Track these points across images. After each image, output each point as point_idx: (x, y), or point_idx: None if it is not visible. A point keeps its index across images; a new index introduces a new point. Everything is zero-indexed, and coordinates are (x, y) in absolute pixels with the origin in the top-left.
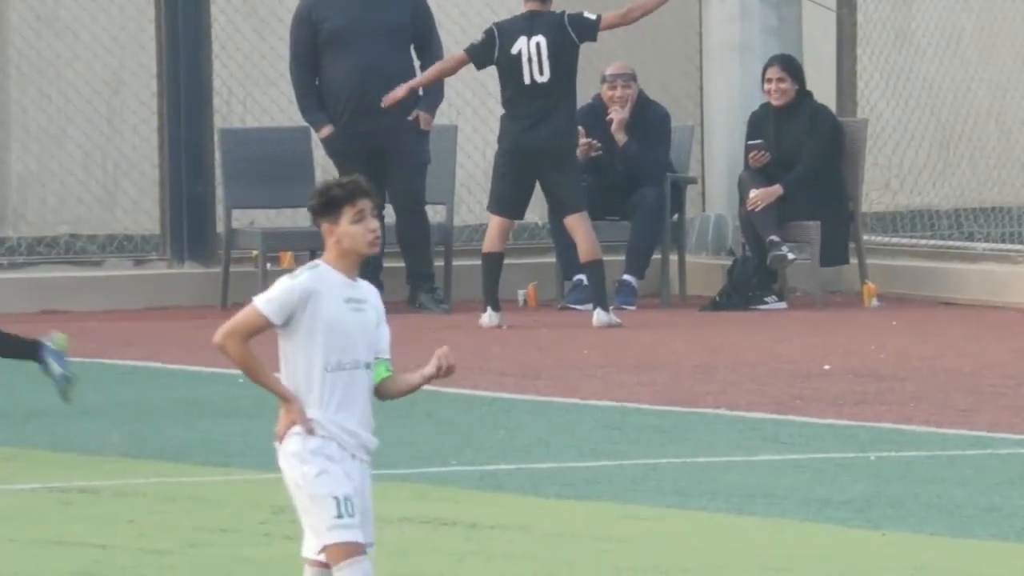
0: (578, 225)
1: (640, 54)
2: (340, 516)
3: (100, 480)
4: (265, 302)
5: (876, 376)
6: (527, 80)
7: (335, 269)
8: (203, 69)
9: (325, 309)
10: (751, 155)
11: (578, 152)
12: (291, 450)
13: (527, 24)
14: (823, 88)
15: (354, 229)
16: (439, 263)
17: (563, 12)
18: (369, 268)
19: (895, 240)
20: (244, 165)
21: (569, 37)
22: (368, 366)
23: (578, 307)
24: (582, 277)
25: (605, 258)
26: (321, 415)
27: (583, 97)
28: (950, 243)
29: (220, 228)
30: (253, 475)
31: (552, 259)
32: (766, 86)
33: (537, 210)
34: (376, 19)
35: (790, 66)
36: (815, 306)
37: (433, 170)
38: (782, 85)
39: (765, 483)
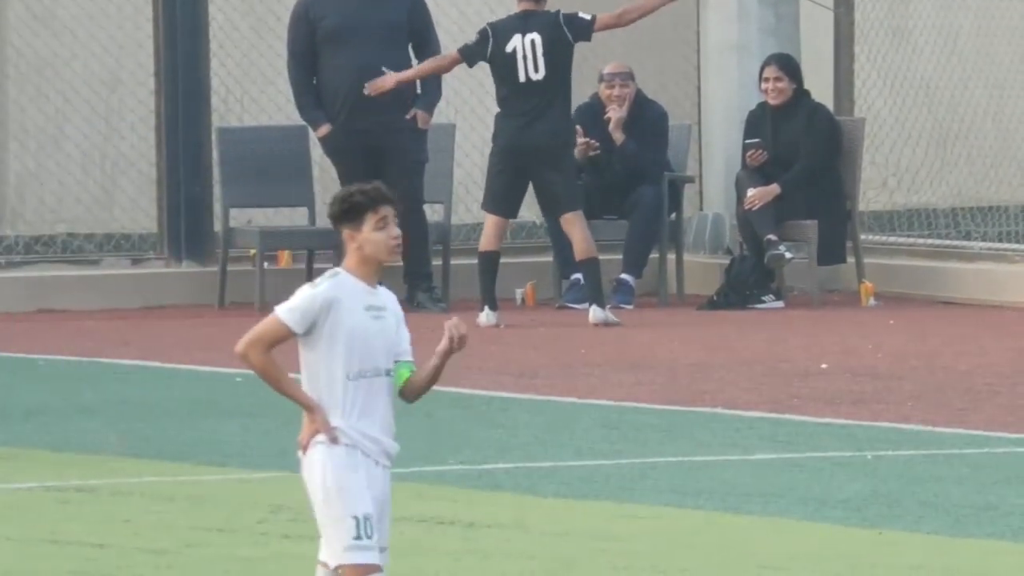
0: (574, 223)
1: (638, 53)
2: (359, 537)
3: (97, 479)
4: (287, 311)
5: (873, 375)
6: (522, 78)
7: (355, 276)
8: (201, 68)
9: (346, 318)
10: (748, 154)
11: (576, 151)
12: (314, 460)
13: (521, 23)
14: (821, 87)
15: (376, 236)
16: (437, 262)
17: (558, 11)
18: None
19: (892, 239)
20: (242, 164)
21: (564, 36)
22: (388, 373)
23: (576, 306)
24: (579, 276)
25: (603, 257)
26: (344, 423)
27: (581, 96)
28: (947, 242)
29: (218, 227)
30: (250, 474)
31: (550, 258)
32: (763, 85)
33: (535, 209)
34: (374, 18)
35: (787, 65)
36: (812, 305)
37: (431, 169)
38: (779, 84)
39: (762, 482)
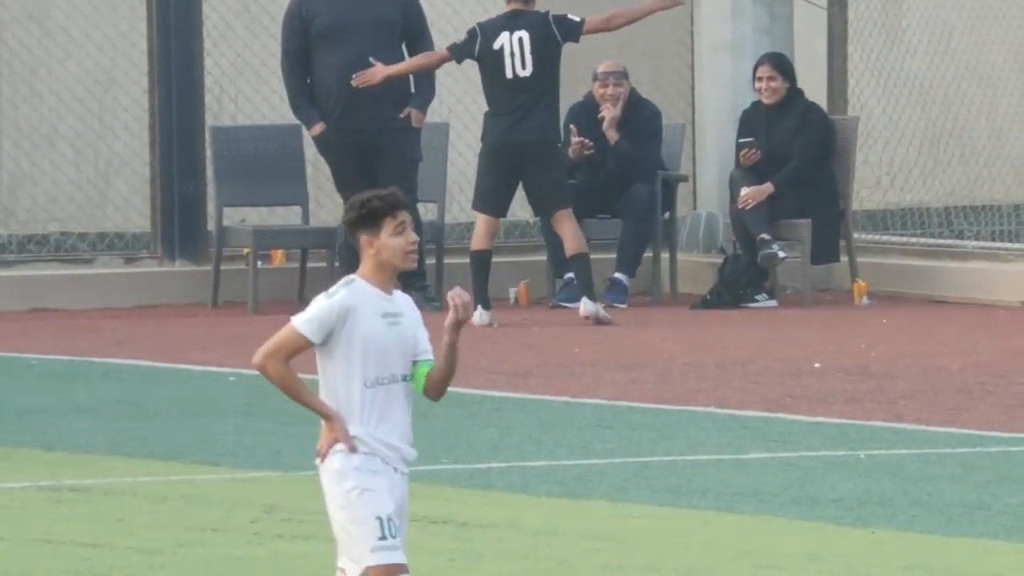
0: (563, 221)
1: (632, 52)
2: (384, 538)
3: (90, 479)
4: (304, 322)
5: (866, 374)
6: (509, 74)
7: (371, 283)
8: (195, 66)
9: (362, 325)
10: (742, 153)
11: (571, 150)
12: (334, 468)
13: (510, 21)
14: (815, 86)
15: (395, 241)
16: (430, 261)
17: (547, 12)
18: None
19: (885, 238)
20: (235, 163)
21: (553, 35)
22: (405, 378)
23: (569, 305)
24: (573, 275)
25: (596, 256)
26: (362, 431)
27: (575, 95)
28: (940, 241)
29: (211, 226)
30: (244, 474)
31: (543, 257)
32: (757, 84)
33: (529, 208)
34: (367, 16)
35: (781, 64)
36: (806, 304)
37: (424, 168)
38: (773, 83)
39: (755, 481)
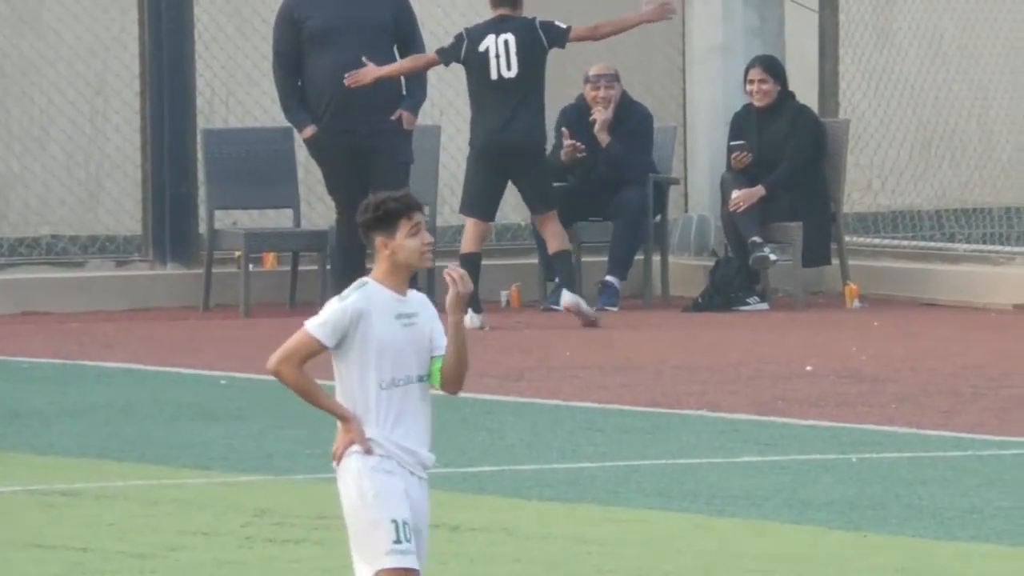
0: (547, 222)
1: (623, 55)
2: (398, 541)
3: (81, 483)
4: (317, 326)
5: (858, 377)
6: (494, 75)
7: (384, 285)
8: (186, 69)
9: (376, 328)
10: (733, 156)
11: (562, 153)
12: (349, 469)
13: (496, 25)
14: (806, 88)
15: (410, 242)
16: None
17: (534, 17)
18: (349, 272)
19: (877, 241)
20: (227, 165)
21: (539, 39)
22: (422, 379)
23: (561, 308)
24: (557, 273)
25: (588, 259)
26: (378, 434)
27: (566, 97)
28: (931, 244)
29: (203, 229)
30: (235, 478)
31: (534, 260)
32: (748, 87)
33: (521, 211)
34: (359, 18)
35: (772, 67)
36: (797, 307)
37: (416, 171)
38: (764, 86)
39: (747, 485)
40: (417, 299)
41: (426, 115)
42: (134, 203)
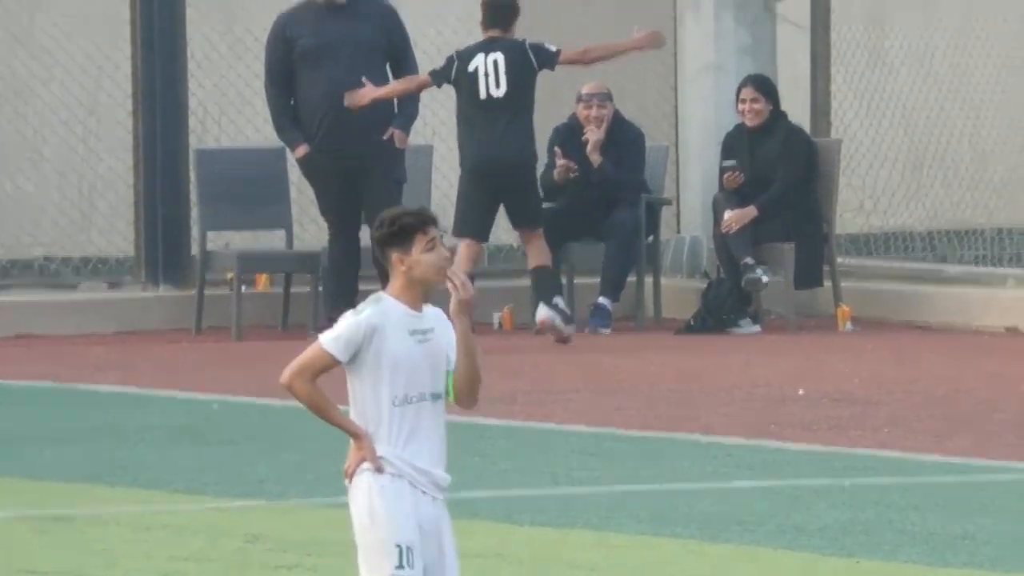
0: (533, 238)
1: (615, 74)
2: (400, 566)
3: (74, 508)
4: (331, 340)
5: (850, 401)
6: (482, 95)
7: (399, 301)
8: (178, 89)
9: (389, 344)
10: (726, 176)
11: (555, 173)
12: (359, 488)
13: (486, 46)
14: (798, 108)
15: (426, 257)
16: None
17: (524, 39)
18: (341, 293)
19: (869, 263)
20: (219, 186)
21: (529, 61)
22: (437, 397)
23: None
24: (558, 300)
25: (580, 280)
26: (390, 452)
27: (559, 116)
28: (924, 266)
29: (195, 250)
30: (228, 503)
31: (527, 282)
32: (740, 106)
33: (514, 233)
34: (351, 37)
35: (764, 86)
36: (789, 330)
37: (408, 190)
38: (756, 106)
39: (740, 510)
40: (433, 315)
41: (418, 135)
42: (126, 224)
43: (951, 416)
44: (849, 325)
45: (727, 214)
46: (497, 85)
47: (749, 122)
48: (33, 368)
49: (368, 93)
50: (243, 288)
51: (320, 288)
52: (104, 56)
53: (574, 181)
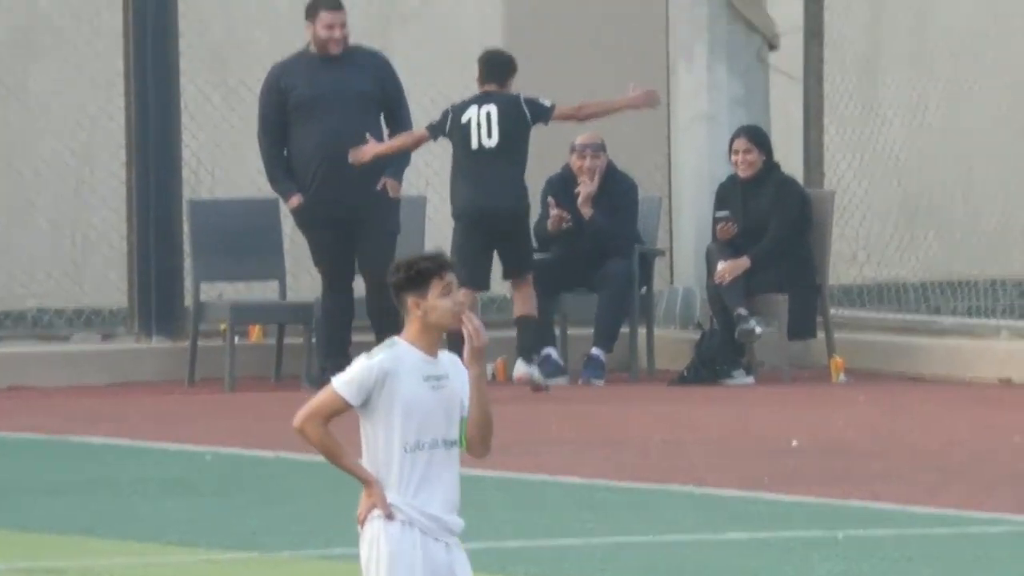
0: (523, 286)
1: (609, 124)
2: None
3: (66, 560)
4: (343, 384)
5: (844, 452)
6: (474, 145)
7: (414, 346)
8: (172, 140)
9: (402, 389)
10: (719, 227)
11: (549, 223)
12: (368, 536)
13: (481, 98)
14: (791, 159)
15: (443, 302)
16: None
17: (519, 93)
18: (335, 344)
19: (862, 314)
20: (213, 237)
21: (523, 114)
22: (449, 443)
23: (548, 381)
24: (551, 351)
25: (573, 331)
26: (400, 499)
27: (553, 166)
28: (917, 317)
29: (188, 301)
30: (221, 555)
31: None
32: (733, 157)
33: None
34: (345, 88)
35: (757, 137)
36: (783, 381)
37: (402, 241)
38: (749, 156)
39: (733, 562)
40: (448, 361)
41: (411, 186)
42: (120, 275)
43: (945, 468)
44: (842, 376)
45: (720, 265)
46: (489, 135)
47: (742, 173)
48: (26, 420)
49: (370, 150)
50: (236, 339)
51: (313, 339)
52: (98, 107)
53: (567, 231)
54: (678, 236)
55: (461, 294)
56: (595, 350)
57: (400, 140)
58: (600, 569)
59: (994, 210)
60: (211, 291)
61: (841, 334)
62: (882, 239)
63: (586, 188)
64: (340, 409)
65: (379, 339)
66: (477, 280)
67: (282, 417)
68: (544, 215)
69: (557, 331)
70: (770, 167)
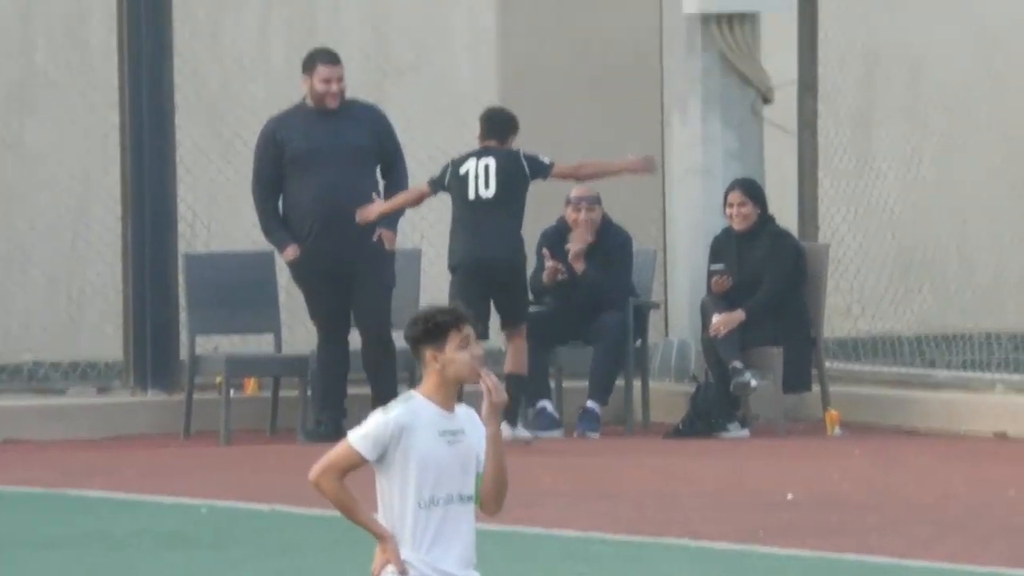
0: (516, 338)
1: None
2: None
3: None
4: (359, 438)
5: (839, 505)
6: (471, 195)
7: (431, 400)
8: (168, 193)
9: (418, 444)
10: (713, 280)
11: (544, 275)
12: None
13: (480, 152)
14: (785, 212)
15: (460, 356)
16: (403, 388)
17: (519, 149)
18: (330, 397)
19: (857, 367)
20: (208, 290)
21: (521, 168)
22: (465, 498)
23: (543, 434)
24: (546, 404)
25: (568, 384)
26: (414, 555)
27: (548, 219)
28: (912, 370)
29: (184, 354)
30: None
31: None
32: (728, 210)
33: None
34: (341, 141)
35: (751, 190)
36: (778, 434)
37: (397, 294)
38: (743, 209)
39: None
40: (464, 415)
41: (406, 238)
42: (115, 328)
43: (940, 521)
44: (838, 429)
45: (715, 318)
46: (487, 186)
47: (737, 226)
48: (22, 473)
49: (376, 209)
50: (232, 392)
51: (309, 392)
52: (93, 161)
53: (562, 284)
54: (673, 289)
55: (479, 347)
56: (590, 403)
57: (403, 197)
58: None
59: (988, 263)
60: (207, 344)
61: (836, 387)
62: (877, 292)
63: (575, 245)
64: (356, 464)
65: (375, 391)
66: (475, 331)
67: (278, 470)
68: (540, 267)
69: (552, 384)
70: (765, 220)
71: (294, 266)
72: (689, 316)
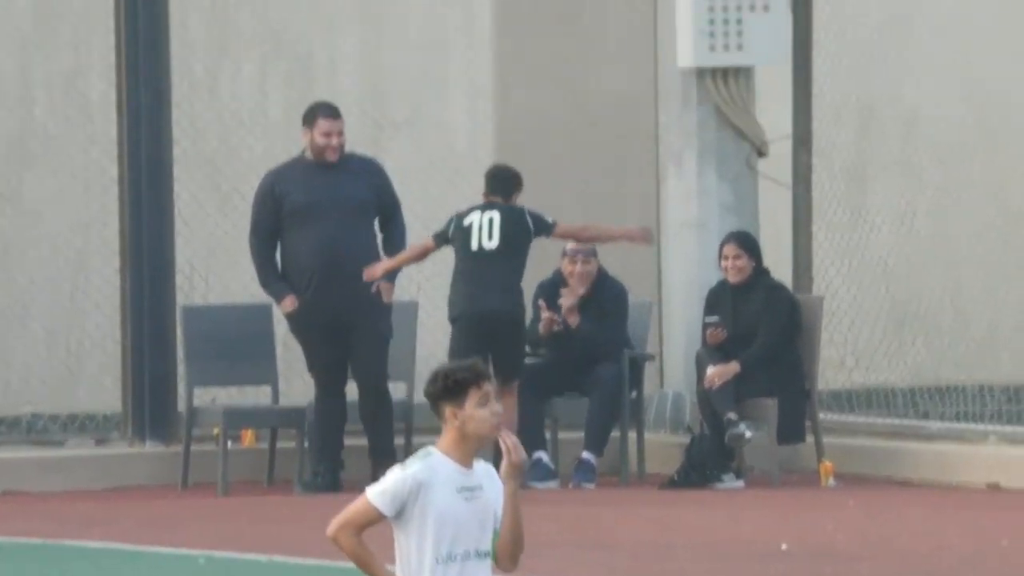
0: (506, 396)
1: None
2: None
3: None
4: (378, 494)
5: (833, 556)
6: (474, 247)
7: (449, 457)
8: (166, 246)
9: (436, 500)
10: (708, 332)
11: (540, 326)
12: None
13: (484, 206)
14: (780, 264)
15: (480, 412)
16: (399, 441)
17: (524, 206)
18: (327, 448)
19: (851, 419)
20: (206, 343)
21: (526, 223)
22: (482, 554)
23: (537, 485)
24: (542, 454)
25: (564, 435)
26: None
27: (544, 271)
28: (905, 422)
29: (181, 406)
30: None
31: None
32: (723, 263)
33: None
34: (340, 195)
35: (746, 243)
36: (772, 484)
37: (393, 346)
38: (738, 262)
39: None
40: (482, 471)
41: (403, 291)
42: (114, 380)
43: (933, 572)
44: (832, 481)
45: (710, 369)
46: (490, 238)
47: (732, 279)
48: (21, 524)
49: (382, 267)
50: (229, 443)
51: (306, 443)
52: (91, 214)
53: (557, 336)
54: (668, 341)
55: (498, 405)
56: (586, 454)
57: (408, 253)
58: None
59: (982, 316)
60: (204, 396)
61: (830, 438)
62: (871, 344)
63: (567, 300)
64: (374, 519)
65: (372, 443)
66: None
67: (275, 521)
68: (536, 318)
69: (548, 435)
70: (759, 273)
71: (292, 318)
72: (684, 368)
